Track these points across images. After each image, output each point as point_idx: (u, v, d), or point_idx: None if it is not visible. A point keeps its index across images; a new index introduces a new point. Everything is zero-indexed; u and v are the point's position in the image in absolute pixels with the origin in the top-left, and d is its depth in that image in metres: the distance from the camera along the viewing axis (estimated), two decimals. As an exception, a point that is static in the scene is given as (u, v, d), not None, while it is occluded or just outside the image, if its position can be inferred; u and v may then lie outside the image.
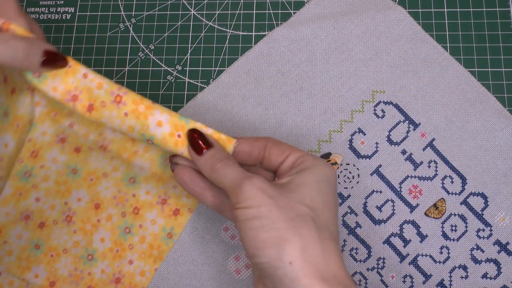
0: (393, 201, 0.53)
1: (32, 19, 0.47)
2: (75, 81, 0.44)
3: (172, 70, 0.59)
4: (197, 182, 0.46)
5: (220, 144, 0.44)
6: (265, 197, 0.39)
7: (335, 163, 0.54)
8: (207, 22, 0.61)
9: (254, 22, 0.60)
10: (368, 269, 0.52)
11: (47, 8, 0.62)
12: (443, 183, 0.53)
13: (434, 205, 0.53)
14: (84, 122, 0.51)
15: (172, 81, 0.59)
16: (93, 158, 0.52)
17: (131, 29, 0.61)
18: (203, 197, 0.46)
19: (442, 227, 0.52)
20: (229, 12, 0.61)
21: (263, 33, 0.59)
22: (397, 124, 0.55)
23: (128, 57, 0.60)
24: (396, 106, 0.55)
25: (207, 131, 0.44)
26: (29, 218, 0.52)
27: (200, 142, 0.43)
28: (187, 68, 0.59)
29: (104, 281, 0.53)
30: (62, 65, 0.43)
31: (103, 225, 0.53)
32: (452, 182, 0.53)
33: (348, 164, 0.54)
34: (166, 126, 0.44)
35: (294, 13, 0.59)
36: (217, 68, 0.59)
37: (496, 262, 0.51)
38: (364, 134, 0.55)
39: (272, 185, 0.41)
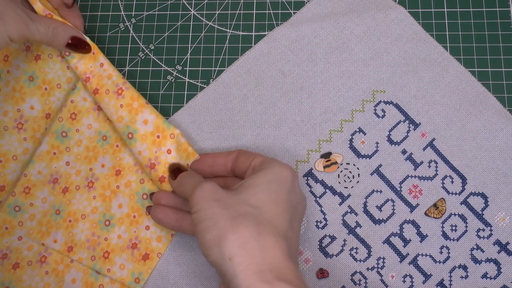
0: (393, 201, 0.53)
1: (78, 11, 0.57)
2: (93, 67, 0.54)
3: (172, 70, 0.59)
4: (171, 216, 0.50)
5: (191, 170, 0.51)
6: (211, 201, 0.43)
7: (336, 163, 0.54)
8: (207, 22, 0.61)
9: (254, 22, 0.60)
10: (368, 269, 0.52)
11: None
12: (443, 183, 0.53)
13: (434, 205, 0.53)
14: (29, 231, 0.55)
15: (172, 81, 0.59)
16: (28, 275, 0.55)
17: (131, 29, 0.61)
18: (180, 228, 0.50)
19: (442, 227, 0.52)
20: (229, 12, 0.61)
21: (263, 33, 0.59)
22: (398, 123, 0.55)
23: (128, 57, 0.60)
24: (397, 106, 0.55)
25: (181, 140, 0.52)
26: (57, 182, 0.56)
27: (176, 169, 0.50)
28: (187, 68, 0.59)
29: (121, 246, 0.54)
30: (86, 51, 0.54)
31: (122, 191, 0.56)
32: (452, 182, 0.53)
33: (349, 163, 0.54)
34: (150, 125, 0.52)
35: (294, 13, 0.59)
36: (217, 68, 0.59)
37: (496, 262, 0.51)
38: (365, 133, 0.55)
39: (222, 189, 0.44)
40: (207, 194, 0.43)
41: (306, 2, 0.59)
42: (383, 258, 0.52)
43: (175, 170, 0.50)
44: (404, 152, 0.54)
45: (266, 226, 0.41)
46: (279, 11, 0.60)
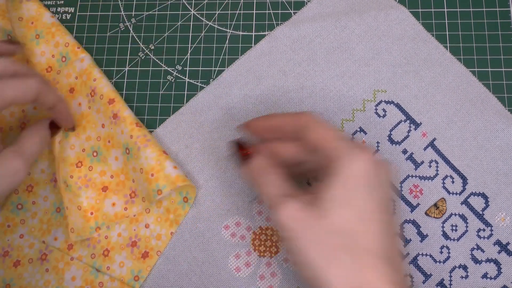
0: (393, 201, 0.53)
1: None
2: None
3: (172, 70, 0.59)
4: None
5: (261, 156, 0.46)
6: (301, 229, 0.39)
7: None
8: (207, 22, 0.61)
9: (254, 22, 0.60)
10: (368, 269, 0.52)
11: (47, 8, 0.62)
12: (443, 183, 0.53)
13: (435, 204, 0.53)
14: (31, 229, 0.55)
15: (172, 81, 0.59)
16: (28, 273, 0.55)
17: (131, 29, 0.61)
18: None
19: (443, 227, 0.52)
20: (229, 12, 0.61)
21: (263, 33, 0.59)
22: (398, 123, 0.55)
23: (128, 57, 0.60)
24: (398, 106, 0.55)
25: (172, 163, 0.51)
26: (57, 181, 0.55)
27: (240, 153, 0.48)
28: (187, 68, 0.59)
29: (121, 244, 0.54)
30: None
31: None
32: (452, 182, 0.53)
33: (349, 163, 0.54)
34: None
35: (294, 13, 0.60)
36: (217, 68, 0.59)
37: (496, 262, 0.51)
38: (365, 133, 0.55)
39: (304, 209, 0.40)
40: (294, 217, 0.40)
41: (307, 2, 0.60)
42: (384, 258, 0.52)
43: (238, 154, 0.48)
44: (404, 151, 0.54)
45: (362, 257, 0.38)
46: (279, 11, 0.60)
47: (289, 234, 0.40)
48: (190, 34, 0.60)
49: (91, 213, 0.53)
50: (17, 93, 0.45)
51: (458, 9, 0.58)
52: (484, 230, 0.52)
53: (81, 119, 0.56)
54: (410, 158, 0.54)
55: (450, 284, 0.51)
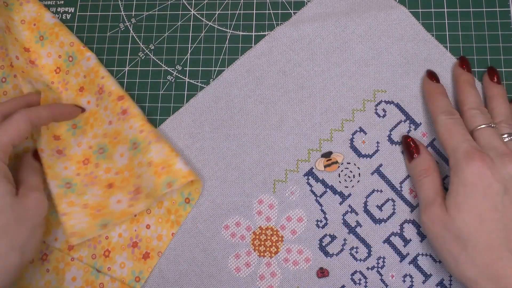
0: (393, 201, 0.53)
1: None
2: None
3: (172, 70, 0.59)
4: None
5: (427, 151, 0.51)
6: (432, 235, 0.47)
7: (336, 162, 0.54)
8: (207, 22, 0.61)
9: (254, 22, 0.60)
10: (368, 268, 0.52)
11: (47, 8, 0.62)
12: (443, 183, 0.53)
13: (435, 204, 0.53)
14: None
15: (172, 81, 0.59)
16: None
17: (131, 29, 0.61)
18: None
19: (443, 227, 0.52)
20: (229, 12, 0.61)
21: (263, 33, 0.59)
22: (398, 123, 0.55)
23: (128, 57, 0.60)
24: (398, 106, 0.55)
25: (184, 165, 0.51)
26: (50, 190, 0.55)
27: (410, 148, 0.52)
28: (187, 68, 0.59)
29: (121, 245, 0.54)
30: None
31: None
32: (452, 181, 0.53)
33: (349, 163, 0.54)
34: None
35: (294, 13, 0.60)
36: (217, 68, 0.59)
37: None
38: (365, 133, 0.55)
39: (441, 215, 0.46)
40: (429, 225, 0.47)
41: (307, 2, 0.60)
42: (383, 258, 0.52)
43: (408, 150, 0.52)
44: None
45: (485, 252, 0.44)
46: (279, 11, 0.60)
47: (427, 234, 0.48)
48: (190, 34, 0.60)
49: (98, 210, 0.52)
50: (11, 136, 0.48)
51: (458, 9, 0.58)
52: (484, 230, 0.52)
53: (90, 117, 0.57)
54: (410, 158, 0.54)
55: (450, 284, 0.51)
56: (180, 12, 0.61)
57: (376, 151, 0.54)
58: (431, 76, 0.54)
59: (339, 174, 0.54)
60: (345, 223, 0.53)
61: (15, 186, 0.48)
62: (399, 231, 0.52)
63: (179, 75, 0.59)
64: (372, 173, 0.54)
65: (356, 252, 0.52)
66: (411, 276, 0.51)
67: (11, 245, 0.45)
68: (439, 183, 0.49)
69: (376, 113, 0.55)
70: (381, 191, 0.53)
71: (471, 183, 0.45)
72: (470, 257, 0.44)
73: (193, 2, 0.61)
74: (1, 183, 0.46)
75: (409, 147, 0.52)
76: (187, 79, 0.59)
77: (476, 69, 0.56)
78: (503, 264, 0.43)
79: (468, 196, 0.45)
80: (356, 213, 0.53)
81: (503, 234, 0.44)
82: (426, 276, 0.51)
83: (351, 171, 0.54)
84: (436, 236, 0.46)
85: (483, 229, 0.44)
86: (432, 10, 0.58)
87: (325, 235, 0.53)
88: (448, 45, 0.57)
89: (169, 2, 0.62)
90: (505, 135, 0.49)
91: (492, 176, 0.45)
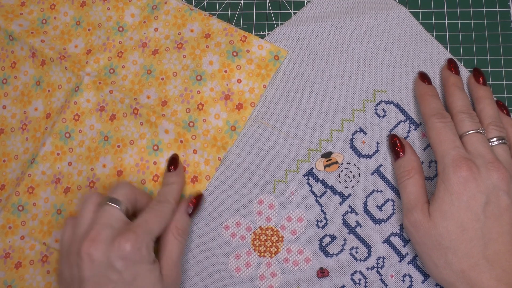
0: (393, 201, 0.53)
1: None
2: (147, 33, 0.59)
3: (172, 69, 0.59)
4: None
5: (413, 152, 0.52)
6: (413, 240, 0.49)
7: (336, 162, 0.54)
8: (207, 22, 0.61)
9: (254, 22, 0.60)
10: (367, 268, 0.52)
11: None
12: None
13: (434, 204, 0.53)
14: (122, 89, 0.57)
15: (172, 80, 0.59)
16: (124, 126, 0.56)
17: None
18: None
19: (442, 227, 0.52)
20: (229, 12, 0.61)
21: (263, 33, 0.59)
22: (398, 123, 0.55)
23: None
24: (397, 106, 0.55)
25: (251, 67, 0.57)
26: (59, 182, 0.56)
27: (396, 148, 0.52)
28: (187, 68, 0.59)
29: (214, 98, 0.56)
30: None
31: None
32: (452, 181, 0.53)
33: (349, 163, 0.54)
34: (216, 64, 0.56)
35: (294, 13, 0.59)
36: (217, 68, 0.59)
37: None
38: (365, 133, 0.55)
39: (423, 222, 0.47)
40: (411, 229, 0.48)
41: (307, 2, 0.59)
42: (383, 258, 0.52)
43: (394, 150, 0.53)
44: (404, 151, 0.54)
45: (463, 260, 0.45)
46: (279, 11, 0.60)
47: (410, 237, 0.49)
48: (190, 33, 0.60)
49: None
50: (160, 225, 0.49)
51: (458, 9, 0.58)
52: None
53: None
54: (410, 158, 0.54)
55: (450, 284, 0.51)
56: (180, 12, 0.61)
57: (376, 151, 0.54)
58: (423, 77, 0.54)
59: (339, 174, 0.54)
60: (345, 223, 0.53)
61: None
62: (398, 231, 0.52)
63: (179, 75, 0.59)
64: (372, 173, 0.54)
65: (356, 252, 0.52)
66: (410, 276, 0.51)
67: None
68: (422, 186, 0.50)
69: (376, 113, 0.55)
70: (381, 191, 0.53)
71: (457, 192, 0.46)
72: (449, 263, 0.46)
73: (193, 2, 0.61)
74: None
75: (395, 146, 0.52)
76: (187, 79, 0.59)
77: (476, 69, 0.56)
78: (480, 270, 0.44)
79: (453, 204, 0.46)
80: (356, 213, 0.53)
81: (481, 242, 0.45)
82: (426, 276, 0.51)
83: (351, 171, 0.54)
84: (417, 241, 0.48)
85: (464, 238, 0.45)
86: (432, 10, 0.58)
87: (325, 235, 0.53)
88: (448, 45, 0.57)
89: (169, 2, 0.62)
90: (494, 139, 0.49)
91: (476, 188, 0.46)
